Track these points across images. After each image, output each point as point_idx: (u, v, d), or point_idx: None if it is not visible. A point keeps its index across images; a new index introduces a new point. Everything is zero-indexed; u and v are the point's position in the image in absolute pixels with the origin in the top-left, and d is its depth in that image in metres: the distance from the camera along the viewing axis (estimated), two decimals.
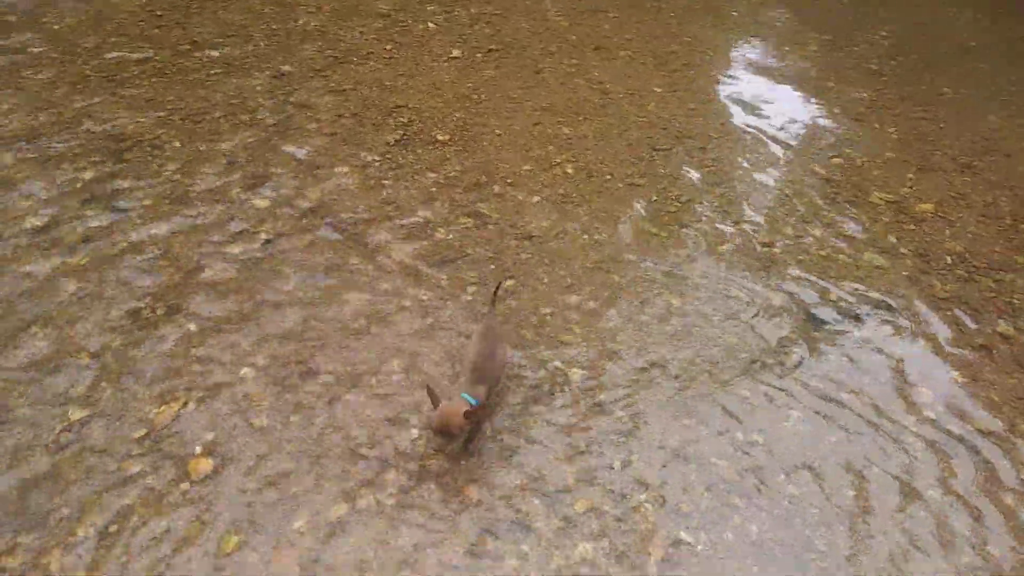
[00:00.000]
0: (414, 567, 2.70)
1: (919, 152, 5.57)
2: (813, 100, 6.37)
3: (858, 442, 3.29)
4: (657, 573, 2.74)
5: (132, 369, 3.42)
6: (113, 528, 2.78)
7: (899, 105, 6.27)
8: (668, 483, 3.07)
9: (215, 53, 6.38)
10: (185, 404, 3.27)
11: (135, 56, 6.25)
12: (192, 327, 3.67)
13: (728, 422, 3.34)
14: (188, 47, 6.46)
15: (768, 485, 3.08)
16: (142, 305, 3.78)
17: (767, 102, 6.28)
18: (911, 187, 5.13)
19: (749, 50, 7.22)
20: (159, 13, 7.04)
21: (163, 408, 3.25)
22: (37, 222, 4.32)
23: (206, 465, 3.02)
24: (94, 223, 4.32)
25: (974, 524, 2.97)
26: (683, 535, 2.87)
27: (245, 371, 3.46)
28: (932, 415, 3.45)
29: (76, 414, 3.21)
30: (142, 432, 3.15)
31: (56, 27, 6.67)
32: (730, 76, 6.66)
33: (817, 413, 3.42)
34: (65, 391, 3.31)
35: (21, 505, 2.84)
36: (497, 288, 3.51)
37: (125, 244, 4.19)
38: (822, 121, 6.00)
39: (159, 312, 3.74)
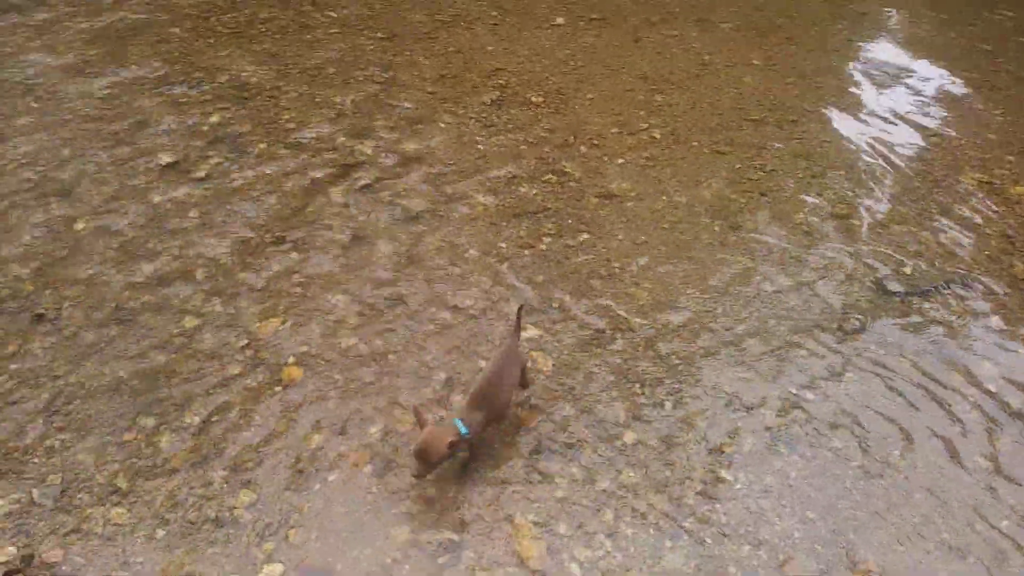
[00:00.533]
0: (473, 476, 3.00)
1: (1023, 136, 5.40)
2: (916, 79, 6.23)
3: (909, 407, 3.36)
4: (694, 504, 2.94)
5: (240, 288, 3.86)
6: (215, 418, 3.21)
7: (1013, 87, 6.05)
8: (715, 426, 3.24)
9: (333, 15, 6.80)
10: (284, 321, 3.68)
11: (262, 15, 6.75)
12: (294, 256, 4.08)
13: (781, 377, 3.47)
14: (309, 7, 6.92)
15: (813, 437, 3.21)
16: (252, 234, 4.22)
17: (868, 79, 6.19)
18: (1008, 169, 5.00)
19: (856, 28, 7.07)
20: None
21: (264, 323, 3.66)
22: (168, 158, 4.84)
23: (297, 373, 3.41)
24: (216, 161, 4.80)
25: (1015, 496, 3.02)
26: (724, 473, 3.05)
27: (338, 297, 3.83)
28: (992, 388, 3.47)
29: (190, 322, 3.66)
30: (244, 342, 3.57)
31: None
32: (833, 52, 6.57)
33: (872, 375, 3.50)
34: (182, 302, 3.77)
35: (141, 393, 3.31)
36: (520, 313, 3.23)
37: (242, 181, 4.65)
38: (924, 100, 5.87)
39: (267, 240, 4.17)
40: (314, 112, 5.37)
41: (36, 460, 3.02)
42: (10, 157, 4.78)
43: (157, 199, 4.47)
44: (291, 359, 3.48)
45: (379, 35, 6.46)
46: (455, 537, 2.80)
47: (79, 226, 4.24)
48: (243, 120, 5.24)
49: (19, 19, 6.52)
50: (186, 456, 3.05)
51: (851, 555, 2.79)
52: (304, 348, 3.55)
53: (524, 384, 3.28)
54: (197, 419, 3.20)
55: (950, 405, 3.38)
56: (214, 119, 5.25)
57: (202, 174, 4.69)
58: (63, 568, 2.66)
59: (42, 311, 3.69)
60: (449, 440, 2.70)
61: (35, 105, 5.34)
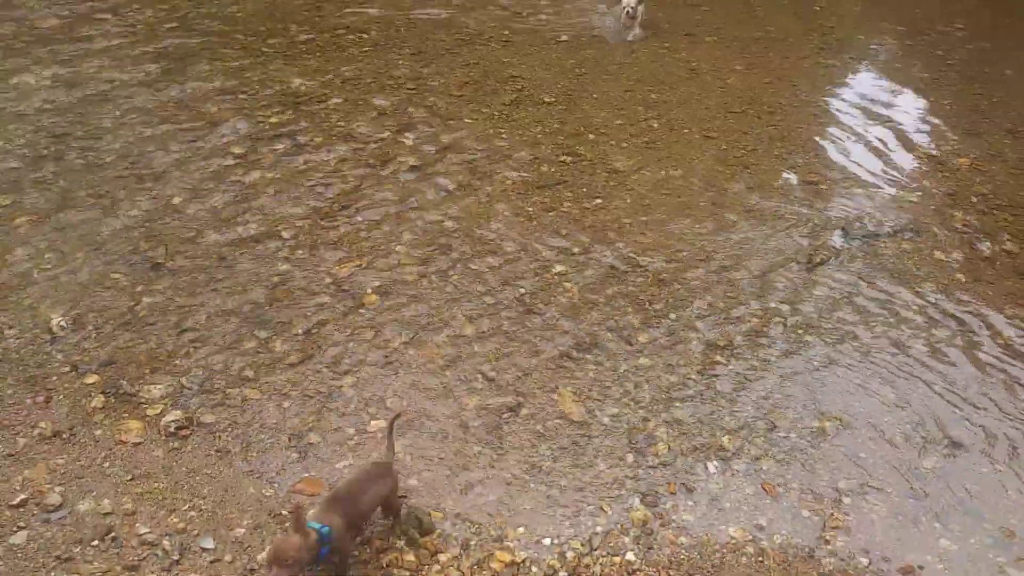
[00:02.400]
0: (511, 357, 3.83)
1: (968, 120, 6.32)
2: (878, 78, 7.19)
3: (866, 313, 4.21)
4: (698, 379, 3.77)
5: (319, 242, 4.71)
6: (314, 330, 4.04)
7: (959, 84, 7.00)
8: (711, 330, 4.08)
9: (364, 36, 7.76)
10: (359, 264, 4.52)
11: (301, 38, 7.70)
12: (359, 218, 4.94)
13: (763, 295, 4.33)
14: (343, 31, 7.87)
15: (788, 334, 4.05)
16: (323, 204, 5.08)
17: (836, 79, 7.15)
18: (952, 146, 5.92)
19: (826, 37, 8.04)
20: (319, 5, 8.51)
21: (343, 266, 4.51)
22: (239, 149, 5.72)
23: (375, 299, 4.25)
24: (282, 149, 5.68)
25: (946, 372, 3.85)
26: (718, 357, 3.89)
27: (399, 248, 4.69)
28: (933, 300, 4.32)
29: (282, 266, 4.50)
30: (329, 280, 4.41)
31: (239, 15, 8.23)
32: (804, 58, 7.53)
33: (838, 292, 4.36)
34: (273, 252, 4.62)
35: (251, 316, 4.14)
36: (392, 425, 3.11)
37: (306, 165, 5.52)
38: (883, 95, 6.82)
39: (335, 209, 5.04)
40: (359, 112, 6.27)
41: (178, 361, 3.83)
42: (104, 151, 5.65)
43: (237, 180, 5.33)
44: (368, 290, 4.32)
45: (407, 51, 7.40)
46: (513, 400, 3.62)
47: (176, 200, 5.10)
48: (299, 119, 6.14)
49: (85, 46, 7.45)
50: (297, 355, 3.87)
51: (819, 407, 3.63)
52: (377, 283, 4.39)
53: (390, 508, 3.01)
54: (300, 331, 4.03)
55: (898, 312, 4.23)
56: (273, 120, 6.14)
57: (272, 160, 5.57)
58: (215, 426, 3.46)
59: (160, 261, 4.53)
60: (303, 543, 2.51)
61: (117, 113, 6.23)
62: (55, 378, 3.70)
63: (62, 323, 4.00)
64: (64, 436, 3.38)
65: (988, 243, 4.80)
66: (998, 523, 3.15)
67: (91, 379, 3.69)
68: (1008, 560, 3.02)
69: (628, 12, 7.46)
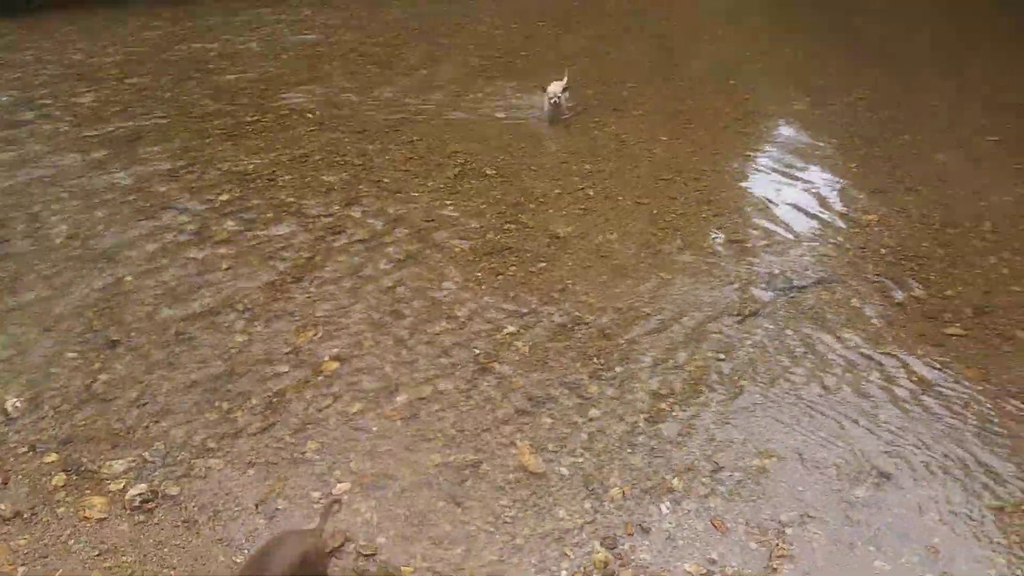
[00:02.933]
0: (469, 415, 4.01)
1: (873, 181, 6.90)
2: (790, 144, 7.79)
3: (793, 359, 4.54)
4: (646, 426, 4.00)
5: (275, 313, 4.85)
6: (275, 399, 4.15)
7: (863, 148, 7.63)
8: (656, 380, 4.34)
9: (309, 116, 8.05)
10: (315, 333, 4.67)
11: (247, 119, 7.94)
12: (313, 289, 5.11)
13: (699, 346, 4.63)
14: (287, 112, 8.15)
15: (724, 379, 4.34)
16: (276, 277, 5.23)
17: (753, 147, 7.71)
18: (861, 204, 6.45)
19: (741, 108, 8.68)
20: (263, 87, 8.79)
21: (300, 335, 4.65)
22: (191, 227, 5.86)
23: (334, 365, 4.40)
24: (233, 226, 5.84)
25: (868, 409, 4.17)
26: (662, 405, 4.14)
27: (354, 315, 4.86)
28: (852, 344, 4.69)
29: (240, 338, 4.62)
30: (287, 349, 4.54)
31: (183, 98, 8.44)
32: (724, 128, 8.11)
33: (767, 341, 4.69)
34: (230, 326, 4.73)
35: (212, 388, 4.23)
36: (329, 509, 3.21)
37: (257, 240, 5.68)
38: (796, 160, 7.38)
39: (289, 281, 5.19)
40: (307, 189, 6.49)
41: (139, 436, 3.89)
42: (53, 233, 5.72)
43: (190, 257, 5.45)
44: (326, 357, 4.47)
45: (352, 129, 7.71)
46: (474, 457, 3.79)
47: (129, 278, 5.19)
48: (249, 197, 6.32)
49: (30, 130, 7.53)
50: (259, 424, 3.97)
51: (757, 446, 3.89)
52: (335, 350, 4.54)
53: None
54: (261, 401, 4.13)
55: (823, 356, 4.58)
56: (224, 197, 6.31)
57: (224, 237, 5.71)
58: (180, 497, 3.52)
59: (115, 338, 4.59)
60: None
61: (65, 195, 6.31)
62: (12, 459, 3.71)
63: (17, 404, 4.03)
64: (25, 516, 3.39)
65: (898, 290, 5.24)
66: (923, 543, 3.42)
67: (50, 458, 3.72)
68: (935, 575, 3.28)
69: (554, 102, 7.76)
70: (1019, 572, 3.32)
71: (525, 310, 4.94)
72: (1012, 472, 3.83)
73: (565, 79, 8.14)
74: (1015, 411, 4.21)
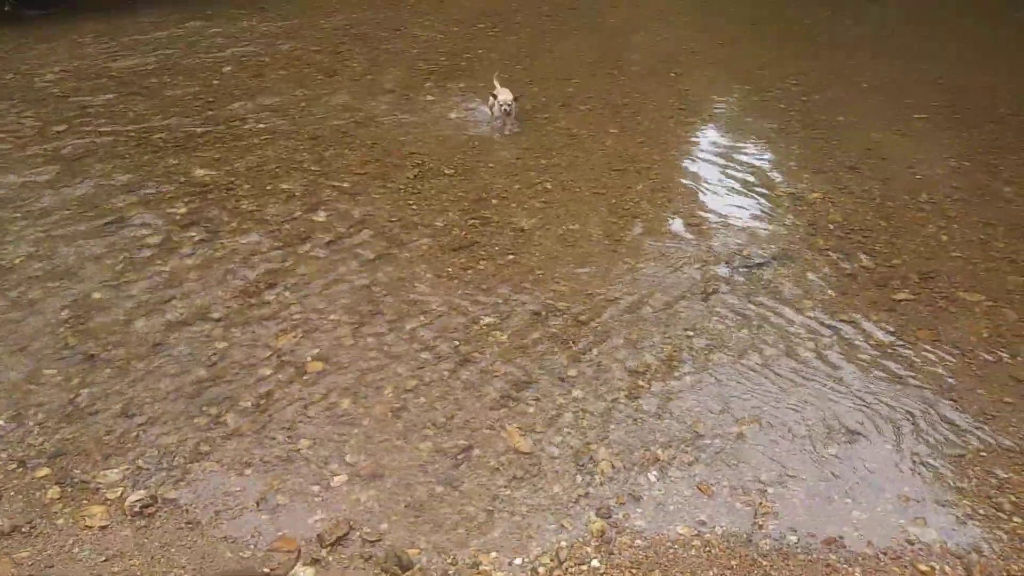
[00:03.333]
0: (456, 403, 4.12)
1: (814, 161, 7.24)
2: (733, 131, 8.10)
3: (758, 331, 4.78)
4: (627, 403, 4.17)
5: (252, 318, 4.87)
6: (263, 401, 4.19)
7: (802, 131, 7.99)
8: (630, 359, 4.52)
9: (261, 126, 8.02)
10: (295, 336, 4.72)
11: (198, 130, 7.88)
12: (287, 294, 5.15)
13: (669, 326, 4.83)
14: (238, 122, 8.11)
15: (695, 354, 4.55)
16: (248, 284, 5.25)
17: (698, 135, 8.00)
18: (806, 183, 6.77)
19: (685, 99, 8.97)
20: (210, 99, 8.72)
21: (280, 338, 4.69)
22: (154, 240, 5.82)
23: (318, 365, 4.46)
24: (198, 237, 5.82)
25: (832, 373, 4.43)
26: (640, 382, 4.32)
27: (332, 316, 4.92)
28: (811, 314, 4.95)
29: (219, 345, 4.64)
30: (269, 352, 4.58)
31: (130, 113, 8.32)
32: (669, 118, 8.38)
33: (731, 316, 4.92)
34: (207, 333, 4.74)
35: (197, 394, 4.25)
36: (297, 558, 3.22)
37: (224, 249, 5.68)
38: (740, 144, 7.69)
39: (262, 287, 5.22)
40: (268, 197, 6.50)
41: (130, 444, 3.89)
42: (11, 254, 5.62)
43: (157, 269, 5.43)
44: (309, 357, 4.52)
45: (305, 137, 7.72)
46: (465, 442, 3.90)
47: (97, 295, 5.14)
48: (209, 208, 6.30)
49: None
50: (250, 426, 4.01)
51: (734, 414, 4.10)
52: (316, 350, 4.59)
53: None
54: (250, 403, 4.17)
55: (784, 327, 4.83)
56: (183, 210, 6.28)
57: (188, 249, 5.70)
58: (180, 500, 3.55)
59: (92, 353, 4.56)
60: None
61: (18, 215, 6.20)
62: (2, 476, 3.68)
63: (1, 423, 3.98)
64: (24, 530, 3.38)
65: (848, 262, 5.54)
66: (895, 492, 3.67)
67: (42, 472, 3.70)
68: (907, 520, 3.52)
69: (505, 109, 7.61)
70: (981, 511, 3.59)
71: (499, 301, 5.07)
72: (969, 422, 4.12)
73: (496, 84, 8.09)
74: (965, 366, 4.52)
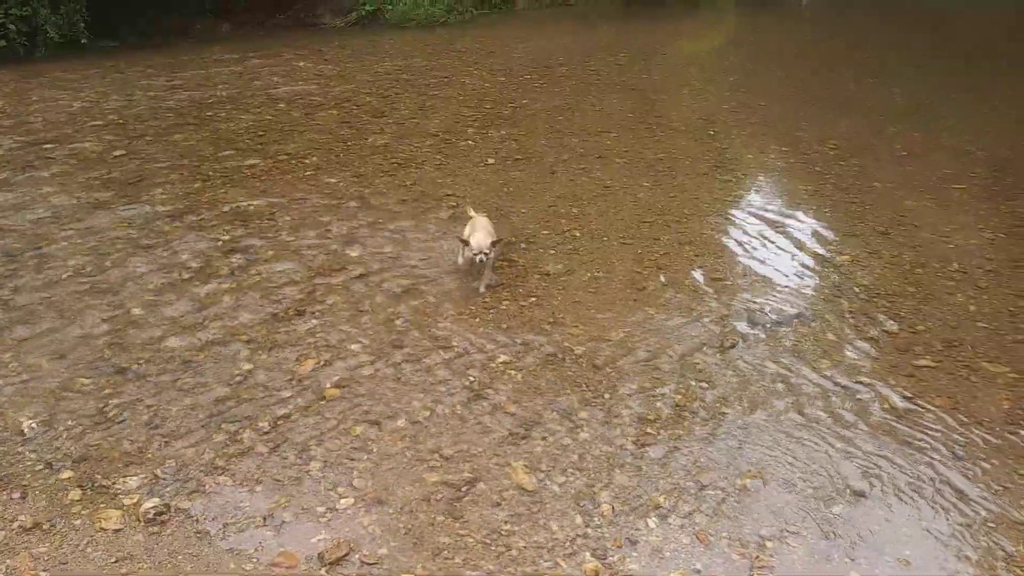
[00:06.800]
0: (465, 437, 4.21)
1: (846, 224, 7.27)
2: (766, 190, 8.18)
3: (772, 387, 4.80)
4: (634, 449, 4.22)
5: (278, 343, 5.06)
6: (280, 422, 4.34)
7: (835, 194, 8.03)
8: (643, 407, 4.57)
9: (306, 161, 8.36)
10: (317, 362, 4.88)
11: (247, 163, 8.24)
12: (314, 321, 5.33)
13: (683, 376, 4.88)
14: (285, 157, 8.46)
15: (707, 406, 4.59)
16: (279, 310, 5.46)
17: (731, 192, 8.10)
18: (835, 246, 6.80)
19: (720, 157, 9.10)
20: (261, 133, 9.12)
21: (302, 364, 4.86)
22: (194, 264, 6.09)
23: (335, 392, 4.60)
24: (236, 263, 6.08)
25: (844, 433, 4.42)
26: (648, 429, 4.37)
27: (354, 346, 5.08)
28: (828, 374, 4.96)
29: (245, 366, 4.82)
30: (290, 377, 4.75)
31: (184, 143, 8.74)
32: (703, 175, 8.50)
33: (747, 371, 4.95)
34: (234, 355, 4.94)
35: (218, 412, 4.41)
36: None
37: (259, 276, 5.92)
38: (772, 203, 7.76)
39: (291, 313, 5.42)
40: (306, 229, 6.76)
41: (151, 455, 4.06)
42: (60, 269, 5.93)
43: (194, 291, 5.67)
44: (328, 384, 4.67)
45: (347, 174, 8.02)
46: (471, 475, 3.99)
47: (136, 311, 5.39)
48: (250, 236, 6.58)
49: (36, 173, 7.78)
50: (265, 445, 4.15)
51: (739, 468, 4.12)
52: (336, 377, 4.75)
53: None
54: (267, 424, 4.32)
55: (800, 385, 4.84)
56: (225, 237, 6.56)
57: (227, 273, 5.95)
58: (192, 511, 3.69)
59: (125, 366, 4.78)
60: None
61: (70, 233, 6.54)
62: (29, 475, 3.87)
63: (32, 425, 4.19)
64: (44, 527, 3.55)
65: (871, 326, 5.53)
66: (895, 555, 3.64)
67: (66, 474, 3.88)
68: None
69: (480, 259, 5.56)
70: None
71: (517, 341, 5.18)
72: (979, 492, 4.06)
73: (471, 214, 6.19)
74: (981, 438, 4.47)
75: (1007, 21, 18.46)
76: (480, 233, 5.62)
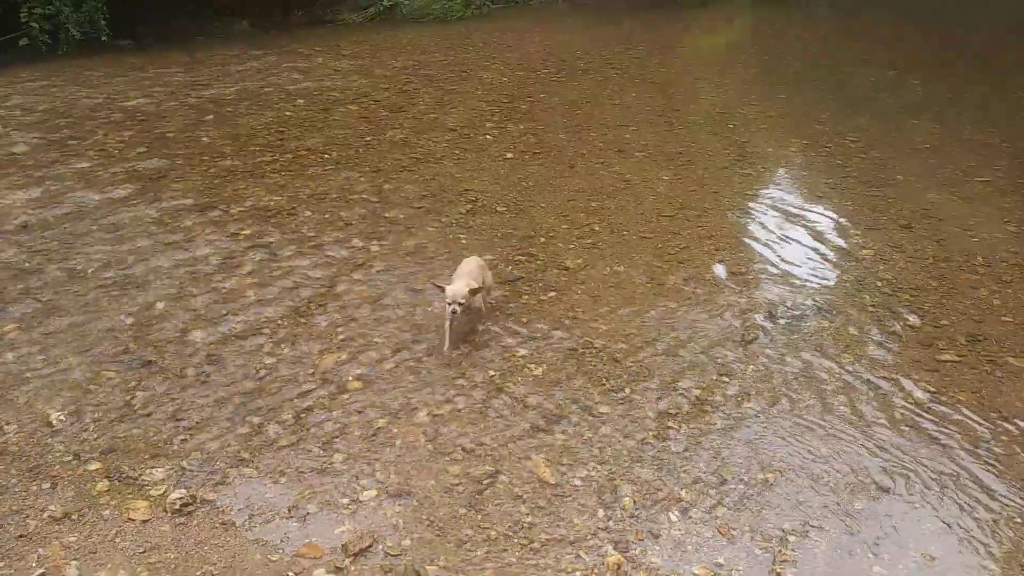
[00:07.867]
0: (487, 431, 4.23)
1: (868, 218, 7.21)
2: (787, 184, 8.14)
3: (794, 381, 4.78)
4: (655, 443, 4.22)
5: (300, 337, 5.10)
6: (303, 415, 4.38)
7: (857, 187, 7.97)
8: (664, 401, 4.57)
9: (325, 156, 8.40)
10: (339, 356, 4.92)
11: (265, 158, 8.29)
12: (337, 315, 5.37)
13: (705, 370, 4.87)
14: (305, 152, 8.51)
15: (729, 402, 4.58)
16: (300, 304, 5.50)
17: (752, 186, 8.05)
18: (857, 239, 6.75)
19: (740, 150, 9.04)
20: (281, 129, 9.17)
21: (325, 358, 4.90)
22: (217, 259, 6.14)
23: (358, 385, 4.64)
24: (258, 258, 6.12)
25: (866, 428, 4.40)
26: (669, 423, 4.37)
27: (376, 340, 5.11)
28: (850, 368, 4.93)
29: (268, 360, 4.86)
30: (313, 370, 4.78)
31: (205, 139, 8.81)
32: (723, 168, 8.46)
33: (769, 365, 4.93)
34: (257, 349, 4.98)
35: (241, 405, 4.46)
36: None
37: (281, 271, 5.96)
38: (792, 197, 7.72)
39: (313, 308, 5.45)
40: (327, 224, 6.79)
41: (176, 447, 4.11)
42: (85, 263, 6.00)
43: (217, 285, 5.72)
44: (350, 377, 4.71)
45: (367, 169, 8.05)
46: (492, 468, 4.00)
47: (160, 305, 5.45)
48: (271, 231, 6.62)
49: (58, 168, 7.87)
50: (289, 438, 4.19)
51: (761, 462, 4.11)
52: (358, 371, 4.78)
53: None
54: (290, 416, 4.36)
55: (822, 379, 4.82)
56: (247, 232, 6.61)
57: (248, 268, 5.99)
58: (218, 502, 3.73)
59: (150, 359, 4.84)
60: None
61: (94, 228, 6.61)
62: (58, 466, 3.93)
63: (60, 417, 4.26)
64: (73, 517, 3.61)
65: (894, 320, 5.49)
66: (920, 550, 3.62)
67: (94, 466, 3.94)
68: None
69: (454, 310, 4.77)
70: None
71: (537, 335, 5.19)
72: (1004, 488, 4.04)
73: (468, 272, 5.11)
74: (1006, 432, 4.43)
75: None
76: (459, 281, 4.89)
